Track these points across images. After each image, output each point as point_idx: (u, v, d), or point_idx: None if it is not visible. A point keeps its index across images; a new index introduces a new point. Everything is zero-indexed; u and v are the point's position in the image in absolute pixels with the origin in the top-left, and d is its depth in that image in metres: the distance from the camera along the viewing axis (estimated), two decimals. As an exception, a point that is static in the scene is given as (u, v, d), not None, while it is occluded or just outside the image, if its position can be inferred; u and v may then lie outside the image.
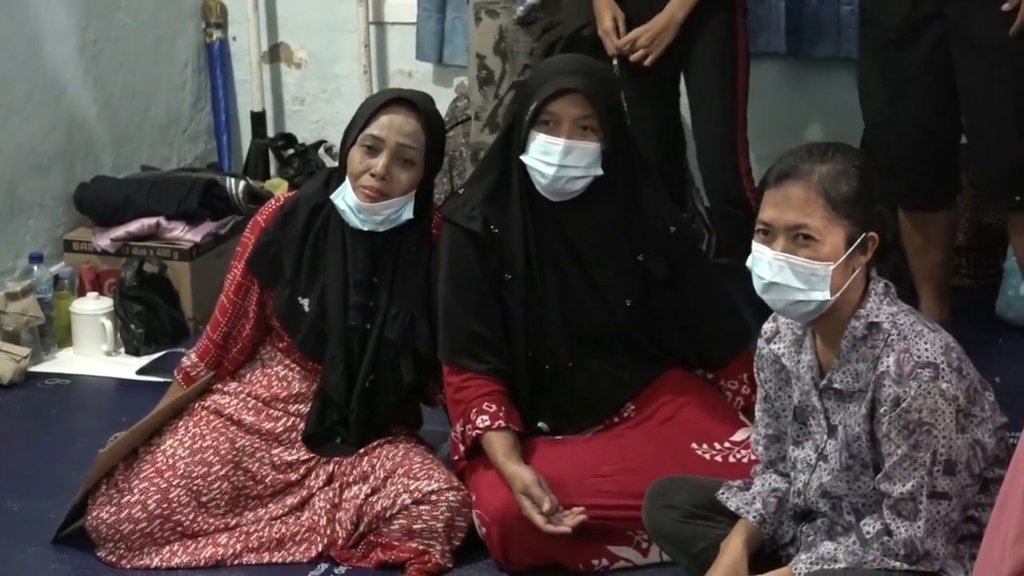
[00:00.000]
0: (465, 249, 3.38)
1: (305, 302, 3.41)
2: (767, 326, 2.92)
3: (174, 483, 3.32)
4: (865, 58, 4.15)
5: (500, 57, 4.08)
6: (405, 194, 3.33)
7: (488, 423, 3.28)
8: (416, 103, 3.34)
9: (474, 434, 3.29)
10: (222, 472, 3.36)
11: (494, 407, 3.30)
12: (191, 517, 3.32)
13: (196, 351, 3.53)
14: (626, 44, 4.02)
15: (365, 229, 3.35)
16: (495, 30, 4.10)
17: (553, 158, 3.28)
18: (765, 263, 2.70)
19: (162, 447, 3.38)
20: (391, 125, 3.30)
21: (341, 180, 3.36)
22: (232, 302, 3.46)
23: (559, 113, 3.29)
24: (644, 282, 3.42)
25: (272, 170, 5.57)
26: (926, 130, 4.01)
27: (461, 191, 3.51)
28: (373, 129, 3.30)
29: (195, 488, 3.34)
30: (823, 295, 2.67)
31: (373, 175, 3.29)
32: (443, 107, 4.27)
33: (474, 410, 3.31)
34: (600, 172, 3.32)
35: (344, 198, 3.34)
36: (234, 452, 3.39)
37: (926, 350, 2.64)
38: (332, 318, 3.38)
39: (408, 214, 3.35)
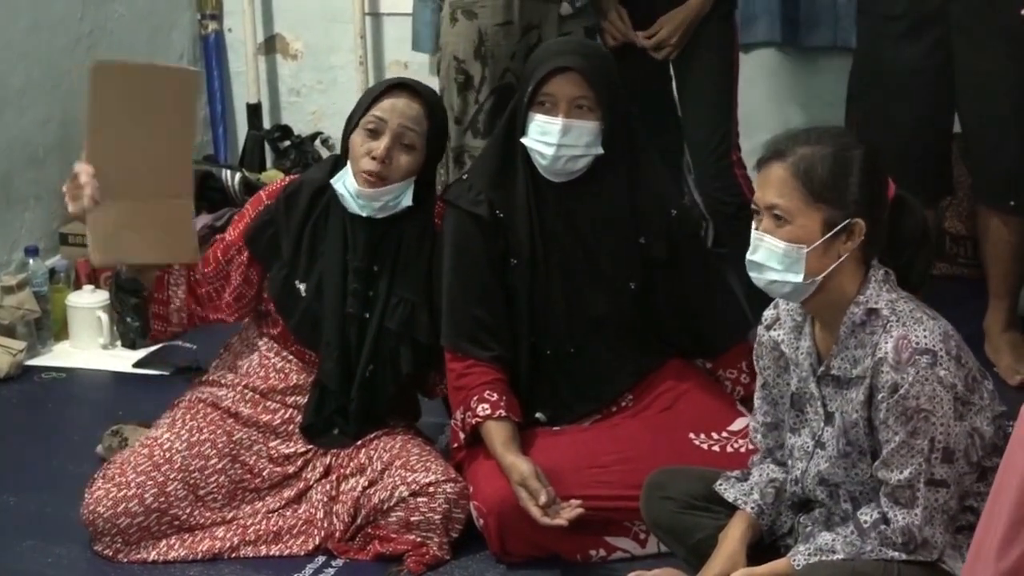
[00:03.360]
0: (470, 234, 3.38)
1: (302, 286, 3.40)
2: (768, 313, 2.92)
3: (171, 476, 3.31)
4: (864, 50, 4.13)
5: (480, 62, 3.98)
6: (404, 179, 3.33)
7: (488, 412, 3.28)
8: (419, 89, 3.36)
9: (474, 422, 3.29)
10: (219, 466, 3.36)
11: (495, 396, 3.30)
12: (188, 511, 3.32)
13: None
14: (653, 44, 4.00)
15: (364, 215, 3.34)
16: (474, 33, 3.98)
17: (551, 138, 3.29)
18: (750, 242, 2.71)
19: (159, 440, 3.37)
20: (394, 108, 3.31)
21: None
22: (216, 260, 3.46)
23: (555, 93, 3.29)
24: (646, 265, 3.42)
25: (268, 162, 5.57)
26: (921, 127, 4.00)
27: (464, 177, 3.51)
28: (376, 111, 3.31)
29: (192, 482, 3.33)
30: (796, 277, 2.67)
31: (374, 157, 3.28)
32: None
33: (475, 398, 3.31)
34: (600, 151, 3.32)
35: (344, 183, 3.33)
36: (231, 445, 3.38)
37: (925, 337, 2.63)
38: (328, 305, 3.38)
39: (407, 201, 3.35)
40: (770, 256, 2.68)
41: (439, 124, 3.40)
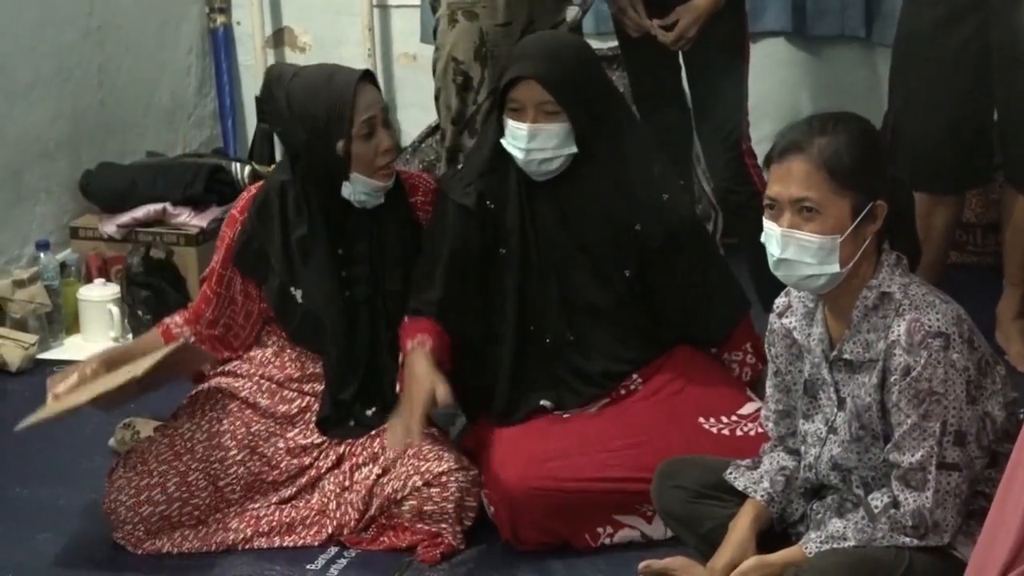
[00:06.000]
0: (455, 222, 3.40)
1: (298, 293, 3.41)
2: (779, 300, 2.92)
3: (192, 466, 3.33)
4: (904, 36, 4.11)
5: (480, 63, 3.93)
6: None
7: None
8: (364, 75, 3.38)
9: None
10: (239, 457, 3.37)
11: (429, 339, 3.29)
12: (207, 502, 3.33)
13: (182, 315, 3.50)
14: (673, 38, 4.00)
15: (372, 205, 3.37)
16: (475, 34, 3.92)
17: (521, 143, 3.33)
18: (774, 240, 2.70)
19: (179, 430, 3.39)
20: (368, 103, 3.33)
21: (321, 168, 3.35)
22: (216, 293, 3.46)
23: (521, 99, 3.33)
24: (641, 252, 3.43)
25: (277, 155, 5.57)
26: (960, 114, 3.98)
27: (460, 165, 3.53)
28: (359, 116, 3.31)
29: (212, 472, 3.34)
30: (833, 268, 2.67)
31: (387, 151, 3.33)
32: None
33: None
34: (574, 150, 3.35)
35: (360, 190, 3.35)
36: (250, 437, 3.39)
37: (937, 320, 2.63)
38: (324, 305, 3.38)
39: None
40: (803, 251, 2.67)
41: None
